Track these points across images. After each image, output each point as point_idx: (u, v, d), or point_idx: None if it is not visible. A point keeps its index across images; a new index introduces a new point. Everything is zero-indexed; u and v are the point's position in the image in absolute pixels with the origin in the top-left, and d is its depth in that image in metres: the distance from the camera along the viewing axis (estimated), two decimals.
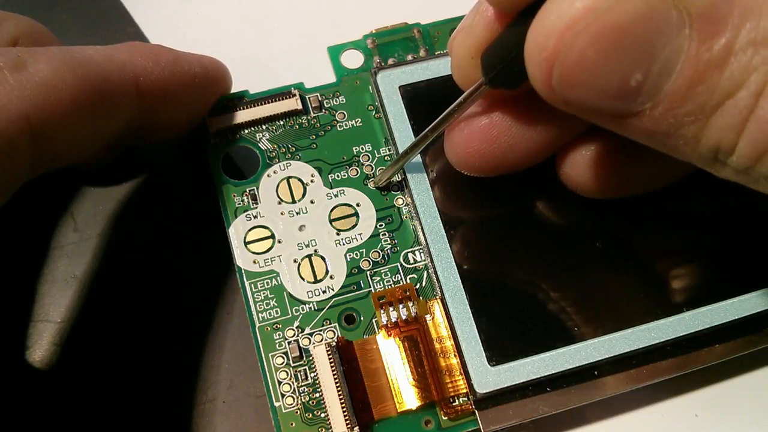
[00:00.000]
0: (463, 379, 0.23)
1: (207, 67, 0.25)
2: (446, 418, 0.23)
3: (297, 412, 0.23)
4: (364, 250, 0.25)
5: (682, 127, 0.16)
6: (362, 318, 0.24)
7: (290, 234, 0.25)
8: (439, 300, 0.24)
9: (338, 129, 0.26)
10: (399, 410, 0.23)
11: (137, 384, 0.25)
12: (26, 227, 0.27)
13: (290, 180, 0.26)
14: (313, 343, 0.24)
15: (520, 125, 0.22)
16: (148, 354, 0.26)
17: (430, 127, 0.23)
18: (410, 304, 0.24)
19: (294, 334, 0.24)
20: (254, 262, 0.24)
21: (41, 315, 0.26)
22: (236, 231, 0.25)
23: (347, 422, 0.22)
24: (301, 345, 0.24)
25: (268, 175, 0.25)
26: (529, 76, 0.17)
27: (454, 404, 0.23)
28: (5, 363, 0.25)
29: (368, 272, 0.25)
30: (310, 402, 0.23)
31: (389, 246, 0.25)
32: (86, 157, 0.24)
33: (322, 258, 0.25)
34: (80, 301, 0.26)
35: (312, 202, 0.25)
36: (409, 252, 0.25)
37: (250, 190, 0.25)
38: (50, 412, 0.25)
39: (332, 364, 0.23)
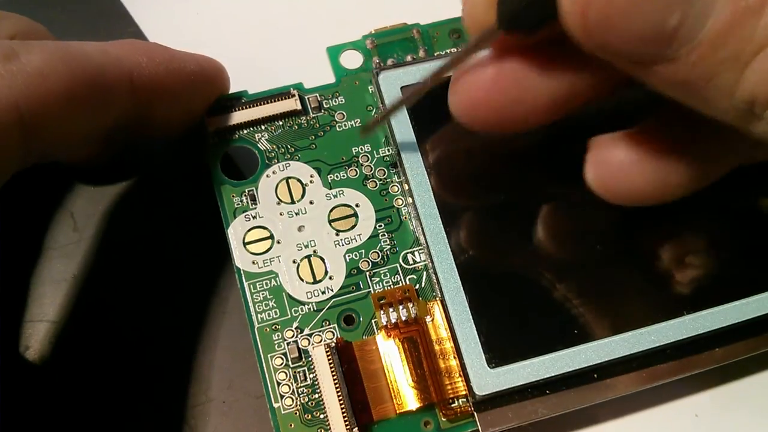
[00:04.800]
0: (462, 380, 0.23)
1: (203, 66, 0.25)
2: (445, 419, 0.23)
3: (296, 413, 0.23)
4: (363, 250, 0.25)
5: (716, 76, 0.16)
6: (362, 319, 0.24)
7: (289, 234, 0.25)
8: (438, 301, 0.24)
9: (337, 129, 0.26)
10: (398, 411, 0.23)
11: (137, 384, 0.25)
12: (25, 227, 0.27)
13: (289, 180, 0.25)
14: (313, 344, 0.24)
15: (531, 77, 0.20)
16: (148, 354, 0.26)
17: (431, 73, 0.22)
18: (410, 305, 0.24)
19: (293, 335, 0.24)
20: (253, 262, 0.24)
21: (41, 315, 0.26)
22: (235, 231, 0.25)
23: (346, 423, 0.22)
24: (300, 346, 0.24)
25: (267, 176, 0.25)
26: (562, 17, 0.17)
27: (453, 406, 0.23)
28: (5, 363, 0.25)
29: (367, 273, 0.25)
30: (309, 403, 0.23)
31: (388, 247, 0.25)
32: (80, 150, 0.24)
33: (322, 258, 0.25)
34: (80, 301, 0.26)
35: (311, 202, 0.25)
36: (408, 253, 0.25)
37: (249, 191, 0.25)
38: (50, 412, 0.25)
39: (331, 365, 0.23)
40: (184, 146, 0.27)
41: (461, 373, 0.23)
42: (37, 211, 0.27)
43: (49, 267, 0.27)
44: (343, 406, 0.22)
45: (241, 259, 0.24)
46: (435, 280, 0.24)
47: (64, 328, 0.26)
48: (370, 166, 0.26)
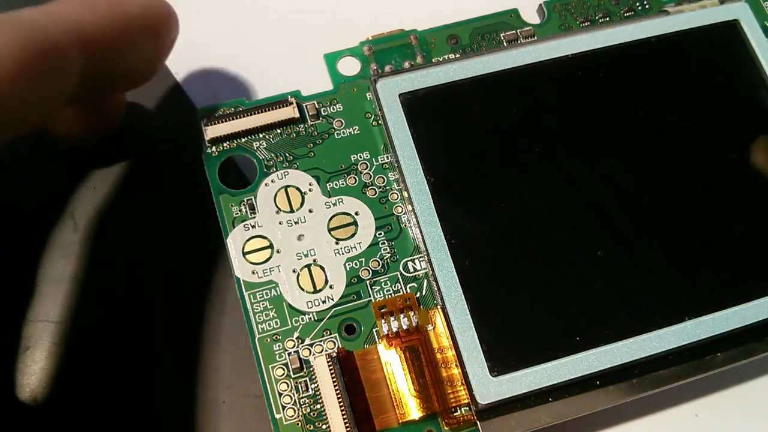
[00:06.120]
0: (464, 389, 0.23)
1: (147, 7, 0.24)
2: (448, 428, 0.23)
3: (298, 424, 0.23)
4: (363, 259, 0.25)
5: None
6: (363, 328, 0.24)
7: (289, 244, 0.25)
8: (440, 309, 0.24)
9: (336, 137, 0.26)
10: (401, 421, 0.23)
11: (137, 384, 0.25)
12: (26, 227, 0.27)
13: (288, 189, 0.25)
14: (314, 354, 0.24)
15: None
16: (148, 354, 0.26)
17: None
18: (411, 313, 0.24)
19: (294, 345, 0.24)
20: (253, 272, 0.24)
21: (41, 315, 0.26)
22: (234, 241, 0.25)
23: None
24: (301, 356, 0.23)
25: (266, 184, 0.25)
26: None
27: (455, 415, 0.23)
28: (5, 363, 0.25)
29: (368, 281, 0.24)
30: (311, 414, 0.23)
31: (389, 255, 0.25)
32: (49, 119, 0.24)
33: (322, 268, 0.24)
34: (80, 301, 0.26)
35: (310, 211, 0.25)
36: (408, 260, 0.25)
37: (247, 200, 0.25)
38: (50, 413, 0.25)
39: (333, 375, 0.23)
40: (183, 147, 0.27)
41: (463, 381, 0.23)
42: (37, 211, 0.27)
43: (49, 267, 0.27)
44: (345, 416, 0.22)
45: (240, 269, 0.24)
46: (436, 288, 0.24)
47: (64, 328, 0.26)
48: (369, 173, 0.26)
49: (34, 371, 0.25)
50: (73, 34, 0.22)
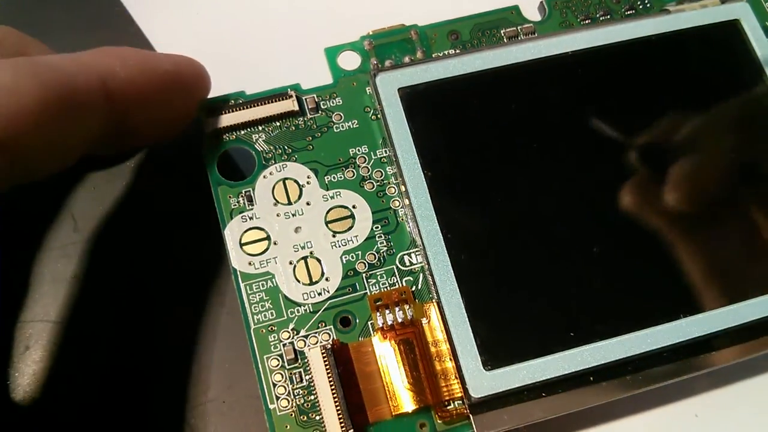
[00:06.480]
0: (458, 383, 0.23)
1: (180, 65, 0.25)
2: (441, 421, 0.23)
3: (292, 415, 0.23)
4: (360, 252, 0.25)
5: None
6: (358, 320, 0.24)
7: (286, 236, 0.25)
8: (435, 303, 0.24)
9: (335, 130, 0.26)
10: (394, 413, 0.23)
11: (137, 384, 0.25)
12: (26, 227, 0.27)
13: (286, 181, 0.25)
14: (309, 346, 0.24)
15: None
16: (149, 354, 0.26)
17: None
18: (406, 306, 0.24)
19: (289, 337, 0.24)
20: (249, 263, 0.24)
21: (41, 315, 0.26)
22: (232, 232, 0.25)
23: (342, 425, 0.22)
24: (296, 347, 0.24)
25: (264, 177, 0.25)
26: None
27: (448, 408, 0.23)
28: (5, 363, 0.25)
29: (364, 274, 0.25)
30: (305, 404, 0.23)
31: (385, 248, 0.25)
32: (64, 165, 0.24)
33: (318, 260, 0.25)
34: (80, 301, 0.26)
35: (308, 203, 0.25)
36: (405, 254, 0.25)
37: (245, 192, 0.25)
38: (49, 413, 0.25)
39: (327, 367, 0.23)
40: (182, 147, 0.27)
41: (457, 375, 0.23)
42: (38, 212, 0.27)
43: (49, 267, 0.27)
44: (338, 407, 0.22)
45: (237, 260, 0.24)
46: (431, 282, 0.24)
47: (64, 328, 0.26)
48: (367, 167, 0.26)
49: (33, 371, 0.25)
50: (98, 83, 0.22)
